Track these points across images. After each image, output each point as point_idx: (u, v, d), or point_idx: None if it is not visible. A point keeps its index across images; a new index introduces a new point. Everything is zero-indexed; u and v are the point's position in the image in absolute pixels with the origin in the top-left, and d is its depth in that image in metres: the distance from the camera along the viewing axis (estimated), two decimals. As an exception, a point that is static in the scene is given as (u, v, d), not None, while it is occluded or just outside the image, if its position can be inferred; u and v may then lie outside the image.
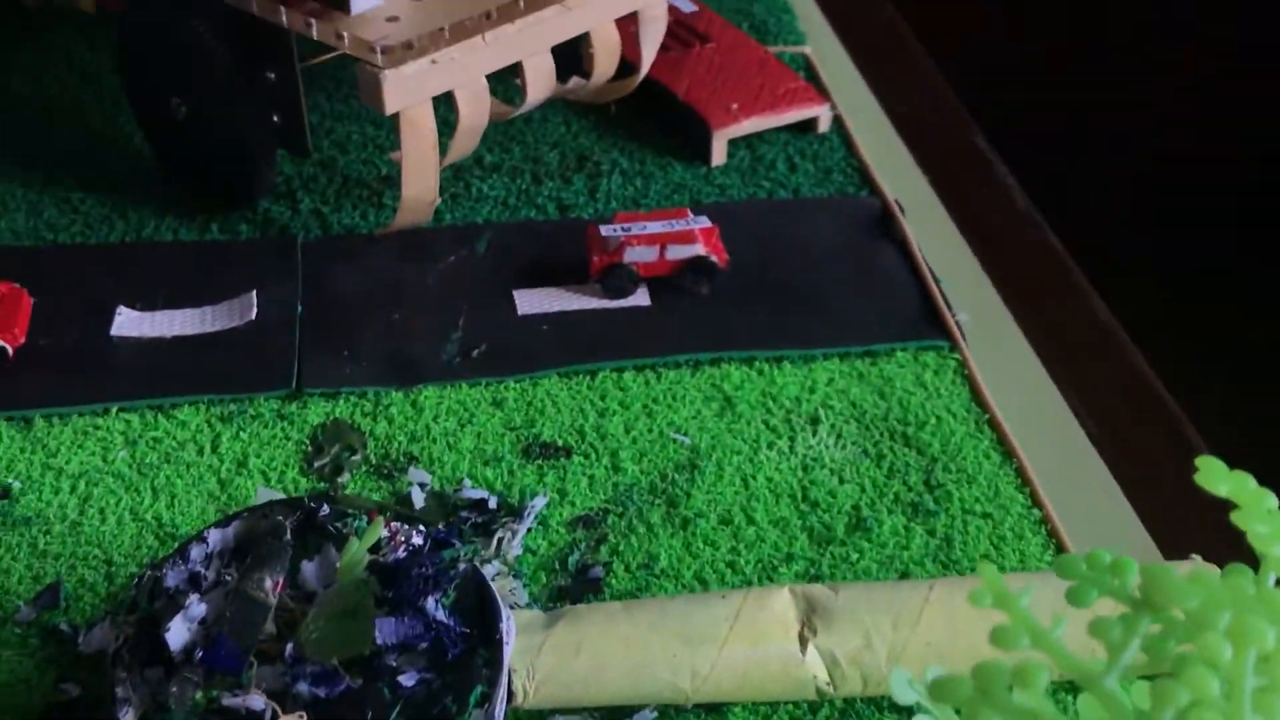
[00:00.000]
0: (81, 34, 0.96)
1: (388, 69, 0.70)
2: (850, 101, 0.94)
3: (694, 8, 0.97)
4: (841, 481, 0.65)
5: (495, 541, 0.61)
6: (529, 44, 0.76)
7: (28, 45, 0.96)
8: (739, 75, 0.89)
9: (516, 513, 0.62)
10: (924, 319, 0.74)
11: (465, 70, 0.73)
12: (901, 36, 1.06)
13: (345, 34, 0.71)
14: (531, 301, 0.75)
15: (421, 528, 0.53)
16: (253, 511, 0.55)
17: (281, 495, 0.62)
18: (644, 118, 0.89)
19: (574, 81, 0.83)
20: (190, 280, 0.76)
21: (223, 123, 0.78)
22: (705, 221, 0.76)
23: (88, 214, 0.81)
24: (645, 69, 0.84)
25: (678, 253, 0.75)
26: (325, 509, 0.54)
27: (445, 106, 0.74)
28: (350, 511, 0.54)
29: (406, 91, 0.71)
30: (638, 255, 0.74)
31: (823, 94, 0.91)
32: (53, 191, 0.83)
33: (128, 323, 0.73)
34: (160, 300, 0.74)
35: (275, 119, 0.79)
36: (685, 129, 0.87)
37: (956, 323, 0.74)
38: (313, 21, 0.72)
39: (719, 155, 0.86)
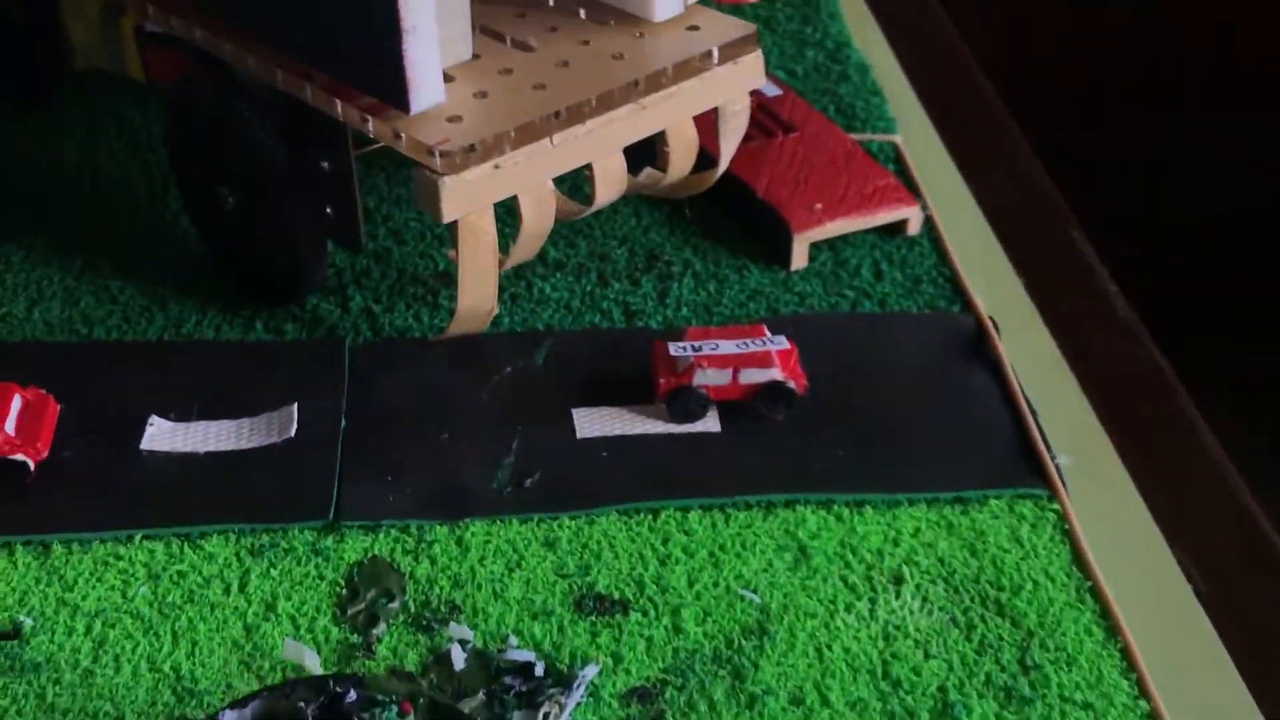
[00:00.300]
0: (135, 100, 0.92)
1: (446, 175, 0.65)
2: (942, 193, 0.87)
3: (778, 91, 0.91)
4: (927, 656, 0.59)
5: (540, 717, 0.55)
6: (600, 145, 0.70)
7: (78, 110, 0.92)
8: (824, 170, 0.83)
9: (565, 682, 0.57)
10: (1020, 461, 0.68)
11: (530, 174, 0.68)
12: (1001, 122, 1.00)
13: (403, 134, 0.66)
14: (591, 423, 0.69)
15: (456, 729, 0.47)
16: (273, 691, 0.50)
17: (311, 652, 0.56)
18: (719, 213, 0.83)
19: (646, 174, 0.77)
20: (229, 387, 0.71)
21: (271, 215, 0.74)
22: (783, 342, 0.70)
23: (126, 305, 0.76)
24: (724, 166, 0.78)
25: (752, 377, 0.69)
26: (352, 695, 0.49)
27: (507, 204, 0.69)
28: (380, 699, 0.49)
29: (466, 199, 0.66)
30: (709, 378, 0.68)
31: (913, 192, 0.84)
32: (91, 278, 0.78)
33: (159, 435, 0.68)
34: (196, 410, 0.69)
35: (327, 211, 0.74)
36: (763, 228, 0.81)
37: (1056, 466, 0.67)
38: (369, 118, 0.67)
39: (799, 259, 0.80)
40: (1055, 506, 0.66)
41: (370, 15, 0.64)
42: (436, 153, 0.65)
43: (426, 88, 0.66)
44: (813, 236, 0.80)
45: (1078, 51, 1.65)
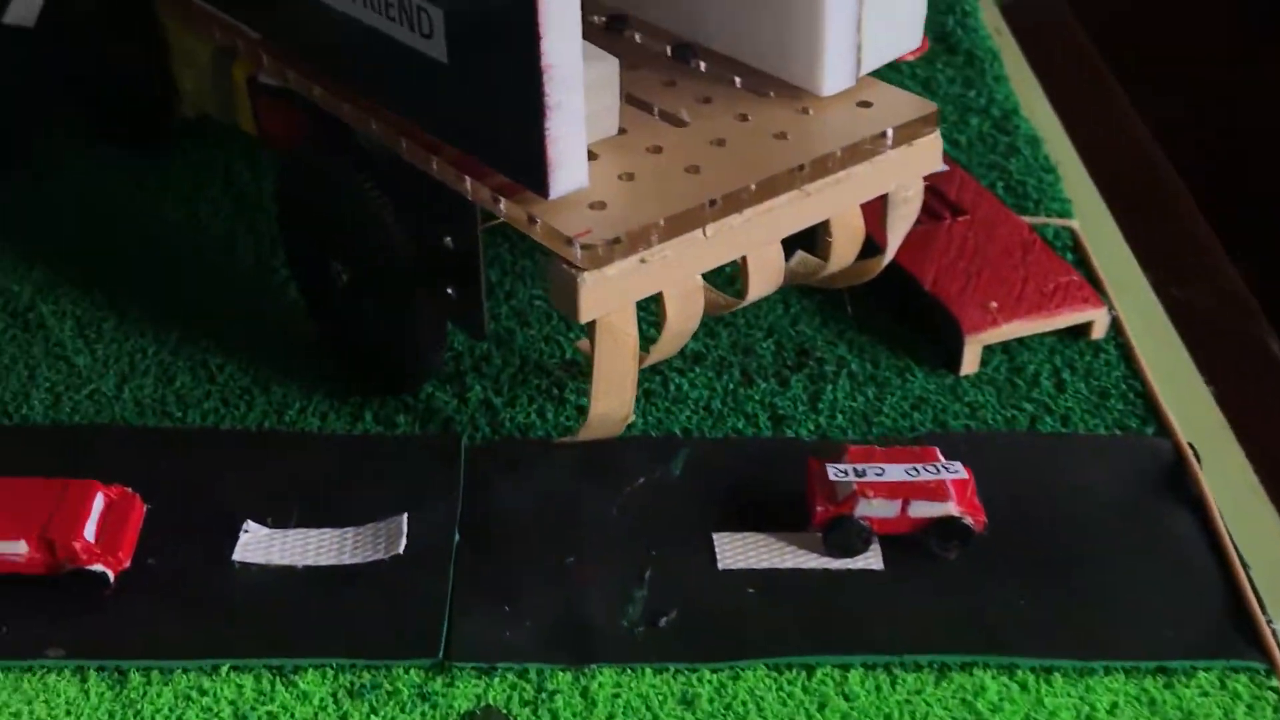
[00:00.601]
0: (244, 150, 0.86)
1: (587, 270, 0.57)
2: (1121, 289, 0.78)
3: (944, 167, 0.82)
4: None
5: None
6: (757, 236, 0.62)
7: (182, 160, 0.86)
8: (998, 262, 0.74)
9: None
10: (1231, 625, 0.58)
11: (679, 269, 0.60)
12: (1183, 208, 0.90)
13: (539, 220, 0.59)
14: (736, 552, 0.61)
15: None
16: None
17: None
18: (878, 304, 0.75)
19: (801, 261, 0.69)
20: (333, 489, 0.64)
21: (389, 296, 0.66)
22: (959, 470, 0.61)
23: (224, 385, 0.70)
24: (891, 255, 0.70)
25: (923, 510, 0.60)
26: None
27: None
28: None
29: (607, 296, 0.58)
30: (873, 510, 0.60)
31: (1097, 289, 0.75)
32: (188, 351, 0.72)
33: (254, 544, 0.61)
34: (295, 514, 0.62)
35: (449, 292, 0.66)
36: (929, 325, 0.73)
37: (1273, 631, 0.58)
38: (501, 199, 0.60)
39: (970, 363, 0.71)
40: (1275, 684, 0.56)
41: (509, 88, 0.57)
42: (577, 245, 0.57)
43: (569, 170, 0.58)
44: (987, 339, 0.71)
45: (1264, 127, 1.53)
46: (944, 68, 0.97)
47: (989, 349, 0.72)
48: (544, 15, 0.54)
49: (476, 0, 0.57)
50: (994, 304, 0.72)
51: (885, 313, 0.75)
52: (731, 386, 0.70)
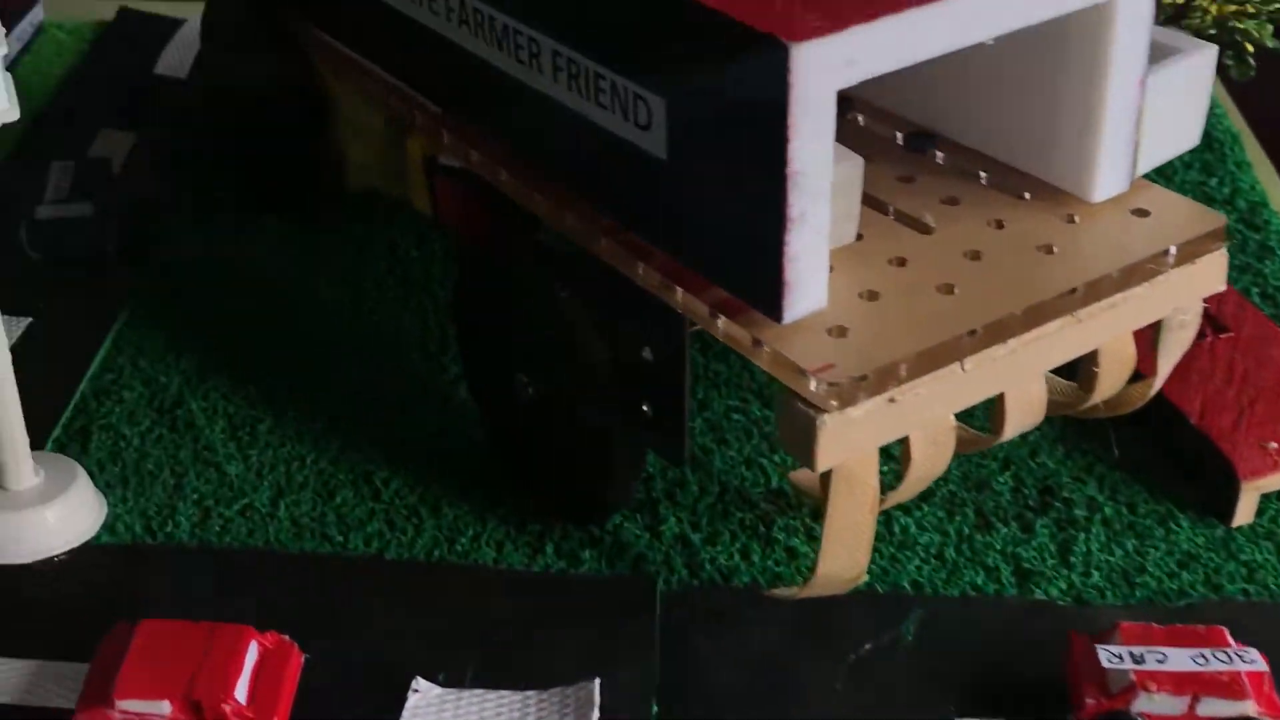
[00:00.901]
0: (410, 227, 0.78)
1: (827, 412, 0.49)
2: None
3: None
4: None
5: None
6: (1021, 369, 0.53)
7: (345, 239, 0.78)
8: (1274, 391, 0.64)
9: None
10: None
11: (931, 409, 0.51)
12: None
13: (767, 346, 0.50)
14: (984, 744, 0.52)
15: None
16: None
17: None
18: (1132, 434, 0.65)
19: (1053, 385, 0.59)
20: (512, 638, 0.56)
21: (580, 415, 0.58)
22: (1256, 659, 0.51)
23: (390, 503, 0.62)
24: (1159, 384, 0.60)
25: (1215, 709, 0.50)
26: None
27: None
28: None
29: (849, 441, 0.49)
30: (1155, 706, 0.50)
31: (1387, 427, 0.65)
32: (350, 460, 0.64)
33: (425, 707, 0.53)
34: (471, 670, 0.54)
35: (646, 410, 0.58)
36: (1194, 464, 0.63)
37: None
38: (720, 317, 0.52)
39: (1245, 514, 0.61)
40: None
41: (743, 194, 0.49)
42: (816, 381, 0.49)
43: (807, 291, 0.50)
44: (1266, 486, 0.61)
45: None
46: (1179, 151, 0.86)
47: (1265, 496, 0.62)
48: (797, 112, 0.46)
49: (709, 91, 0.49)
50: (1273, 444, 0.61)
51: (1140, 441, 0.65)
52: (966, 531, 0.61)
